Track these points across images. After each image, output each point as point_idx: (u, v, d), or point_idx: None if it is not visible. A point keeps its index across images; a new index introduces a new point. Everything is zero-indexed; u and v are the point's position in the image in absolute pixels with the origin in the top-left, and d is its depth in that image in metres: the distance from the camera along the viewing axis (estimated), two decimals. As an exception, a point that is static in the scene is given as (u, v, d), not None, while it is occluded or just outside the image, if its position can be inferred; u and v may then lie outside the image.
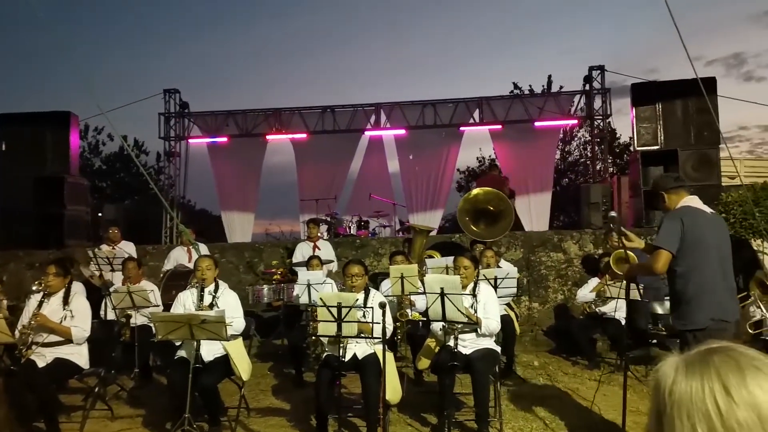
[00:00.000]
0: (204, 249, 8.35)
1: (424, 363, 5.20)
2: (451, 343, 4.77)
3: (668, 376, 0.88)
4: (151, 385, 6.68)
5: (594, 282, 7.51)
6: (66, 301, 5.04)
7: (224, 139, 14.22)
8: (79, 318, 5.03)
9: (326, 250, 8.71)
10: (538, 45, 52.57)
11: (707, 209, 3.84)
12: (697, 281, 3.68)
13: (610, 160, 16.72)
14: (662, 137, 10.33)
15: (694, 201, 3.88)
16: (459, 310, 4.65)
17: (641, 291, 6.94)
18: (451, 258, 6.55)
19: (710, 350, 0.89)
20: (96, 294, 7.24)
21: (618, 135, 21.66)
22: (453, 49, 53.76)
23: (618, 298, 6.92)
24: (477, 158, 23.90)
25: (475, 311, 4.89)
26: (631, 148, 12.64)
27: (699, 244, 3.70)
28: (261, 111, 14.31)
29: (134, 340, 6.50)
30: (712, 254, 3.70)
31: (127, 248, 8.39)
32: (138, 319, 6.61)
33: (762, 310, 5.58)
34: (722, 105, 10.31)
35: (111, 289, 6.73)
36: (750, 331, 5.38)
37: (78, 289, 5.64)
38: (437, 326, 4.96)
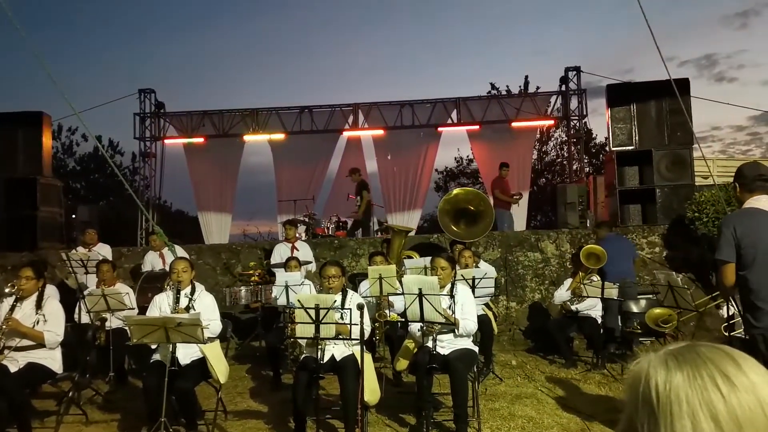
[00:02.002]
0: (180, 251, 8.27)
1: (402, 364, 5.20)
2: (430, 344, 4.78)
3: (657, 369, 0.88)
4: (127, 389, 6.60)
5: (569, 282, 7.58)
6: (39, 305, 4.95)
7: (201, 140, 14.09)
8: (52, 322, 4.94)
9: (304, 251, 8.67)
10: (515, 46, 53.02)
11: None
12: (756, 285, 3.55)
13: (586, 160, 16.89)
14: (637, 137, 10.46)
15: (760, 201, 3.67)
16: (437, 310, 4.66)
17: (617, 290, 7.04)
18: (430, 258, 6.58)
19: (691, 345, 0.91)
20: (70, 297, 7.14)
21: (594, 135, 21.93)
22: (430, 50, 53.97)
23: (593, 296, 7.01)
24: (455, 158, 24.04)
25: (453, 312, 4.91)
26: (607, 149, 12.79)
27: (757, 248, 3.55)
28: (238, 111, 14.20)
29: (109, 344, 6.42)
30: None
31: (103, 251, 8.28)
32: (113, 322, 6.54)
33: (734, 307, 5.65)
34: (695, 106, 10.46)
35: (85, 292, 6.63)
36: (725, 333, 5.45)
37: (51, 292, 5.55)
38: (415, 327, 4.97)
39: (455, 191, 8.84)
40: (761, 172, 3.73)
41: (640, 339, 7.52)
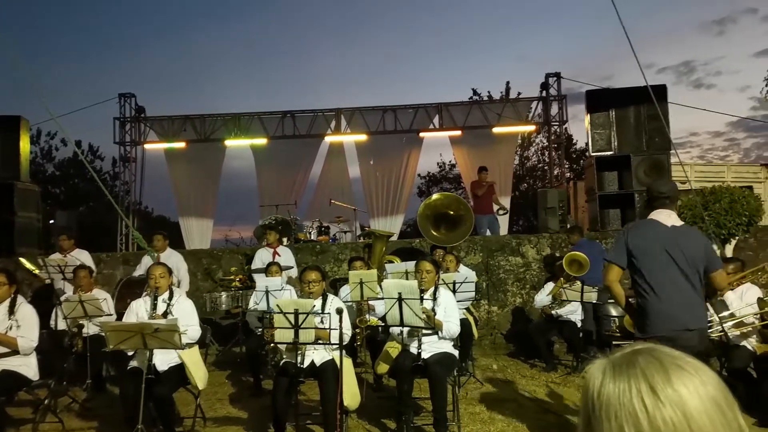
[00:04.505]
0: (169, 255, 8.16)
1: (383, 368, 5.20)
2: (414, 345, 4.80)
3: (596, 378, 0.91)
4: (104, 396, 6.50)
5: (550, 286, 7.63)
6: (12, 311, 4.88)
7: (182, 144, 13.99)
8: (26, 328, 4.86)
9: (286, 257, 8.63)
10: (496, 52, 53.37)
11: (670, 222, 3.87)
12: (649, 292, 3.79)
13: (566, 166, 17.04)
14: (616, 143, 10.57)
15: (659, 215, 3.93)
16: (417, 315, 4.67)
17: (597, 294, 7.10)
18: (411, 263, 6.59)
19: (635, 351, 0.92)
20: (47, 303, 7.04)
21: (574, 141, 22.16)
22: (412, 55, 54.16)
23: (574, 300, 7.06)
24: (438, 164, 24.16)
25: (435, 315, 4.94)
26: (587, 154, 12.91)
27: (648, 256, 3.80)
28: (219, 116, 14.14)
29: (86, 351, 6.34)
30: (665, 266, 3.76)
31: (81, 257, 8.14)
32: (90, 328, 6.45)
33: (711, 312, 5.73)
34: (673, 112, 10.62)
35: (62, 298, 6.55)
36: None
37: (23, 299, 5.46)
38: (397, 330, 4.98)
39: (435, 196, 8.88)
40: (663, 191, 3.99)
41: (619, 342, 7.58)
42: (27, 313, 4.95)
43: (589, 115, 10.76)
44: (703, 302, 3.86)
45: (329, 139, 14.09)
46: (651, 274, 3.78)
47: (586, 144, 12.34)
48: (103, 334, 5.91)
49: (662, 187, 4.03)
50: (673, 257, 3.75)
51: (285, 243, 10.15)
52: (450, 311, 5.06)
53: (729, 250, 8.36)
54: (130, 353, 4.89)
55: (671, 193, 3.99)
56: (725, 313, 5.47)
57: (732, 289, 5.62)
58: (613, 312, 7.79)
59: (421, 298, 4.88)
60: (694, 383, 0.86)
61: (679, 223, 3.91)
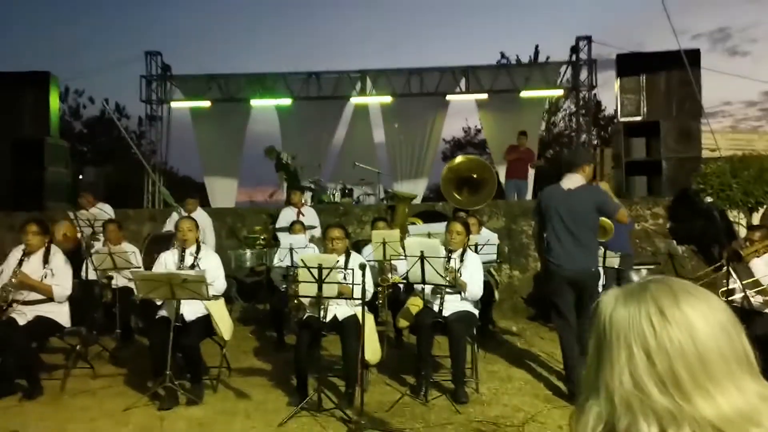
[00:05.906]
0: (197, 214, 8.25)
1: (403, 323, 5.29)
2: (437, 303, 4.87)
3: (608, 305, 0.95)
4: (133, 346, 6.70)
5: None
6: (46, 260, 5.03)
7: (207, 104, 14.01)
8: (60, 276, 5.03)
9: (310, 216, 8.71)
10: (526, 14, 52.25)
11: (567, 186, 4.84)
12: (547, 238, 4.94)
13: (594, 132, 16.77)
14: (645, 109, 10.38)
15: (565, 180, 4.91)
16: (438, 273, 4.73)
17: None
18: (434, 225, 6.63)
19: (647, 281, 0.96)
20: (77, 255, 7.22)
21: (603, 107, 21.74)
22: (440, 17, 53.23)
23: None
24: (463, 128, 23.94)
25: (461, 276, 5.00)
26: (615, 120, 12.70)
27: (548, 212, 4.90)
28: (244, 75, 14.11)
29: (115, 302, 6.52)
30: (555, 221, 4.83)
31: (105, 209, 8.31)
32: (119, 280, 6.62)
33: (734, 278, 5.70)
34: (707, 80, 10.38)
35: (92, 251, 6.71)
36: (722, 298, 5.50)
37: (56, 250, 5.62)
38: (420, 287, 5.06)
39: (458, 159, 8.83)
40: (566, 159, 5.25)
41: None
42: (60, 262, 5.11)
43: (619, 79, 10.56)
44: (585, 249, 4.80)
45: (354, 100, 14.00)
46: (548, 227, 4.91)
47: (615, 110, 12.14)
48: (131, 286, 6.10)
49: (567, 156, 5.31)
50: (561, 215, 4.80)
51: (309, 204, 10.24)
52: (475, 275, 5.11)
53: (756, 218, 8.24)
54: (159, 303, 5.02)
55: (573, 161, 5.01)
56: (749, 280, 5.42)
57: (759, 257, 5.56)
58: (635, 278, 7.77)
59: (449, 258, 4.94)
60: (702, 308, 0.90)
61: (576, 185, 4.82)
